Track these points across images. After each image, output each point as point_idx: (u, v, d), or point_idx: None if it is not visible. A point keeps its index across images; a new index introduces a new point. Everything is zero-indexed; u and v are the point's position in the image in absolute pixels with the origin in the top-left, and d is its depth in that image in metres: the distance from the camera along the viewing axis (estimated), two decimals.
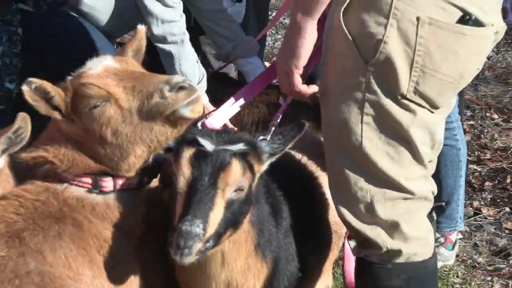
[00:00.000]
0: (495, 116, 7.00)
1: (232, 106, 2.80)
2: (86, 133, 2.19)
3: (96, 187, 2.28)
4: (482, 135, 6.52)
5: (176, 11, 3.95)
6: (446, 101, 2.43)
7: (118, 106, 2.06)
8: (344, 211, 2.49)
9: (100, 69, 2.12)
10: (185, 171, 2.12)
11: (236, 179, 2.18)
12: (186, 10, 4.17)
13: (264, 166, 2.37)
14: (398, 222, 2.45)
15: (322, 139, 2.79)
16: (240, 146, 2.24)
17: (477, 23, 2.25)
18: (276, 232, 2.61)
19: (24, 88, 2.08)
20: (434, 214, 2.84)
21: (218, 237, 2.16)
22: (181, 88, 2.00)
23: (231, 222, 2.21)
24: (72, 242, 2.14)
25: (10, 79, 3.53)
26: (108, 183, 2.29)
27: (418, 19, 2.20)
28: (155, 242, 2.49)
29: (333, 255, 3.09)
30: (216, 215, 2.11)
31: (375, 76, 2.29)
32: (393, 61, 2.24)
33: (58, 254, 2.09)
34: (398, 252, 2.48)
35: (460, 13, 2.22)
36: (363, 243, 2.55)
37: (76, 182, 2.27)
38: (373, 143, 2.36)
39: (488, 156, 6.08)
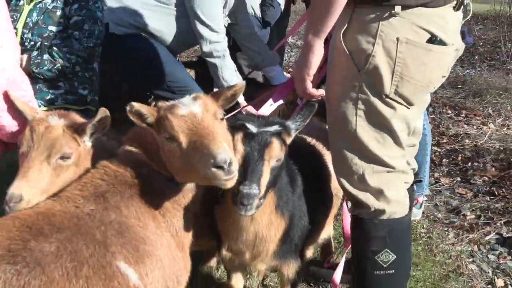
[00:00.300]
0: (449, 111, 6.94)
1: (269, 103, 2.91)
2: (160, 145, 2.13)
3: (172, 179, 2.22)
4: (440, 125, 6.48)
5: (220, 34, 4.10)
6: (418, 100, 2.40)
7: (180, 148, 1.99)
8: (343, 181, 2.50)
9: (186, 112, 2.03)
10: (239, 149, 2.18)
11: (276, 153, 2.25)
12: (227, 33, 4.24)
13: (291, 138, 2.43)
14: (383, 189, 2.44)
15: (326, 127, 2.78)
16: (275, 127, 2.32)
17: (441, 43, 2.29)
18: (292, 196, 2.60)
19: (128, 108, 2.03)
20: (414, 186, 2.81)
21: (266, 193, 2.24)
22: (222, 168, 1.87)
23: (273, 183, 2.30)
24: (140, 203, 2.11)
25: (83, 87, 3.42)
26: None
27: (397, 39, 2.24)
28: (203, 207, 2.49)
29: (333, 212, 3.07)
30: (265, 179, 2.18)
31: (366, 81, 2.32)
32: (379, 69, 2.27)
33: (131, 210, 2.08)
34: (383, 211, 2.47)
35: (429, 35, 2.26)
36: (357, 204, 2.54)
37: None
38: (364, 130, 2.38)
39: (445, 140, 6.02)
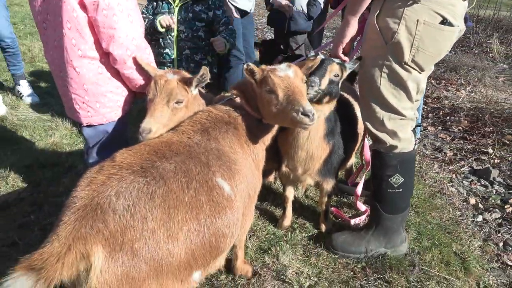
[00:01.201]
0: (433, 81, 6.51)
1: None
2: (259, 95, 2.07)
3: (260, 121, 2.15)
4: (426, 91, 6.03)
5: None
6: (427, 67, 2.26)
7: (276, 99, 1.94)
8: (368, 124, 2.41)
9: (283, 74, 1.97)
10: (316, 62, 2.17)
11: (335, 70, 2.30)
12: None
13: (345, 74, 2.39)
14: (396, 131, 2.35)
15: (353, 87, 2.89)
16: (338, 60, 2.35)
17: (450, 24, 2.15)
18: (334, 131, 2.52)
19: (245, 67, 2.01)
20: (416, 129, 2.75)
21: (323, 94, 2.26)
22: (308, 116, 1.85)
23: (328, 92, 2.28)
24: (232, 135, 2.03)
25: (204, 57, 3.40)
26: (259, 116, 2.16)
27: (417, 20, 2.12)
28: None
29: (357, 145, 2.94)
30: (325, 81, 2.25)
31: (390, 51, 2.19)
32: (401, 43, 2.17)
33: (226, 141, 1.99)
34: (395, 147, 2.39)
35: (441, 18, 2.13)
36: (377, 141, 2.44)
37: (246, 107, 2.14)
38: (386, 88, 2.26)
39: (430, 101, 5.67)
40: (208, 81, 2.17)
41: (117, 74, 2.25)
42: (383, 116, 2.33)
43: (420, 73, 2.24)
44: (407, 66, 2.21)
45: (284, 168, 2.59)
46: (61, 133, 4.04)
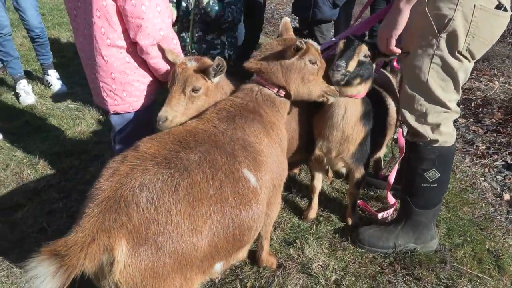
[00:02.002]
0: None
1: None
2: (295, 67, 2.09)
3: (277, 93, 2.12)
4: None
5: None
6: (479, 55, 2.09)
7: (317, 66, 2.10)
8: (407, 116, 2.28)
9: (317, 47, 2.17)
10: (340, 46, 2.21)
11: (365, 51, 2.19)
12: None
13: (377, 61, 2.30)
14: (440, 123, 2.21)
15: (388, 75, 2.74)
16: (368, 41, 2.23)
17: (505, 9, 2.00)
18: (370, 117, 2.44)
19: (298, 43, 2.00)
20: None
21: (352, 76, 2.19)
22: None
23: (358, 73, 2.21)
24: (258, 123, 1.96)
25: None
26: (282, 93, 2.13)
27: (474, 6, 1.96)
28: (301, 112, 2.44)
29: (390, 137, 2.85)
30: (353, 62, 2.17)
31: (443, 40, 2.02)
32: (456, 31, 2.00)
33: (251, 130, 1.93)
34: (436, 141, 2.26)
35: (497, 3, 1.98)
36: (415, 134, 2.31)
37: (268, 87, 2.12)
38: (434, 80, 2.11)
39: (461, 92, 5.39)
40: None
41: (143, 63, 2.24)
42: (427, 108, 2.19)
43: (470, 62, 2.11)
44: (459, 56, 2.05)
45: (317, 152, 2.49)
46: (88, 122, 4.07)
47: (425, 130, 2.24)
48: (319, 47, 2.24)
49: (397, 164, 2.70)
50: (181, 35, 3.30)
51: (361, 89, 2.26)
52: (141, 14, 2.00)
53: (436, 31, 2.03)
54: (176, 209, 1.46)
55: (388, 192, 2.77)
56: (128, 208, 1.40)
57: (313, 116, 2.46)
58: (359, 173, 2.58)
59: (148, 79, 2.29)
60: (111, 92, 2.25)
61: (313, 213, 2.80)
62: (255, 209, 1.72)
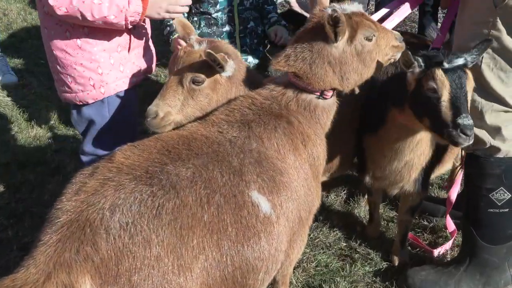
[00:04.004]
0: None
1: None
2: (351, 55, 2.09)
3: (321, 96, 2.12)
4: None
5: None
6: None
7: (372, 42, 2.10)
8: None
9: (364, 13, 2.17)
10: (446, 84, 2.03)
11: (472, 84, 2.12)
12: None
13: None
14: (500, 127, 2.25)
15: None
16: (461, 61, 2.09)
17: None
18: None
19: (328, 14, 1.98)
20: None
21: None
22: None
23: None
24: (283, 135, 2.00)
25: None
26: (329, 93, 2.14)
27: None
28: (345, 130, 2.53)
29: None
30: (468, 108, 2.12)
31: (501, 18, 2.06)
32: None
33: (272, 142, 1.97)
34: (498, 149, 2.29)
35: None
36: (474, 142, 2.26)
37: (308, 90, 2.11)
38: (489, 68, 2.17)
39: None
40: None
41: (88, 43, 2.29)
42: (482, 106, 2.24)
43: None
44: None
45: (368, 179, 2.64)
46: (46, 124, 4.13)
47: (483, 134, 2.28)
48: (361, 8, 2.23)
49: (460, 174, 2.72)
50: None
51: None
52: None
53: (493, 5, 2.07)
54: (158, 239, 1.50)
55: (448, 214, 2.78)
56: (95, 235, 1.44)
57: (364, 132, 2.56)
58: (417, 196, 2.64)
59: (96, 65, 2.32)
60: (59, 74, 2.37)
61: (376, 229, 2.99)
62: (264, 245, 1.75)
